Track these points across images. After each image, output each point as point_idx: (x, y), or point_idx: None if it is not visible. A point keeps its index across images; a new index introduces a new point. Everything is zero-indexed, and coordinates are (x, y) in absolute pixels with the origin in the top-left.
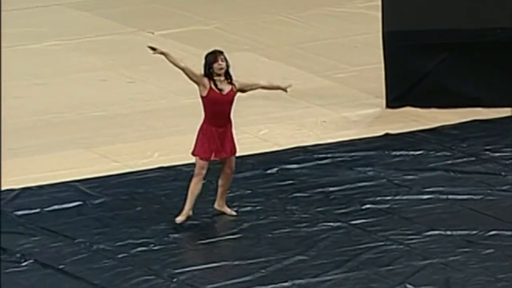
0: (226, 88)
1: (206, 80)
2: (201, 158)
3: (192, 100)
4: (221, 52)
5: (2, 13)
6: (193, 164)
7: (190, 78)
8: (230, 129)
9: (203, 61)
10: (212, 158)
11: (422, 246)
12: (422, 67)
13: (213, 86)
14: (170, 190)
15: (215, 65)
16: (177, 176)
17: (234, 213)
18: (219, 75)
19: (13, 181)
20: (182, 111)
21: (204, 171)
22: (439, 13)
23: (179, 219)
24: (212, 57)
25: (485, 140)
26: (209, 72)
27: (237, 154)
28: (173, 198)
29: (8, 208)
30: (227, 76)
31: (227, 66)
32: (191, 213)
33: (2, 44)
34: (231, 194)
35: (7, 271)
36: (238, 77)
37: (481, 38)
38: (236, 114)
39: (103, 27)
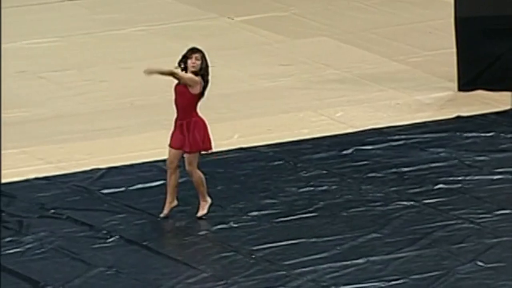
0: None
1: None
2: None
3: (272, 83)
4: (199, 51)
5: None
6: (271, 145)
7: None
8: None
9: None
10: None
11: (493, 224)
12: (493, 51)
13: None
14: (249, 170)
15: (189, 61)
16: (256, 156)
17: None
18: (192, 71)
19: (99, 161)
20: (262, 94)
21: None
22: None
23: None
24: (189, 53)
25: None
26: (184, 65)
27: (314, 136)
28: (252, 178)
29: (94, 186)
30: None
31: (201, 67)
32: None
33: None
34: (307, 174)
35: (94, 246)
36: (315, 62)
37: None
38: (313, 97)
39: (186, 13)
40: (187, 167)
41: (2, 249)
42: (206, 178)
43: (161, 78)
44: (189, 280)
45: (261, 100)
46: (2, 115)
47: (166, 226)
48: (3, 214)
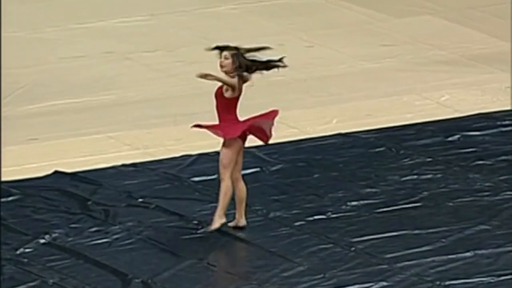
0: None
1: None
2: None
3: (373, 65)
4: (227, 48)
5: None
6: (372, 130)
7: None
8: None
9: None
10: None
11: None
12: None
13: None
14: (348, 157)
15: (218, 62)
16: (356, 142)
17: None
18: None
19: (189, 147)
20: (362, 76)
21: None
22: None
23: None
24: (219, 52)
25: None
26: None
27: (418, 120)
28: (351, 165)
29: (184, 174)
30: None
31: (236, 66)
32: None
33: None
34: (410, 162)
35: (184, 237)
36: (419, 42)
37: None
38: (417, 79)
39: None
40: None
41: (88, 240)
42: (302, 166)
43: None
44: (285, 274)
45: (361, 83)
46: (88, 98)
47: (260, 216)
48: (88, 203)
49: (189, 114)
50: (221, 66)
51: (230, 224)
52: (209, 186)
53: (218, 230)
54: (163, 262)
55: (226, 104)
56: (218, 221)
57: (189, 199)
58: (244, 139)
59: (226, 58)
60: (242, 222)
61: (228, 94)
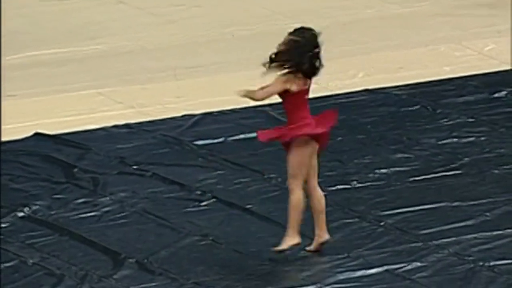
0: None
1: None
2: None
3: (405, 9)
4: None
5: None
6: (404, 86)
7: None
8: None
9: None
10: None
11: None
12: None
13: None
14: (376, 117)
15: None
16: (385, 100)
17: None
18: None
19: (191, 105)
20: (393, 23)
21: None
22: None
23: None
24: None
25: None
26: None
27: (458, 74)
28: (380, 127)
29: (186, 137)
30: None
31: (282, 56)
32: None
33: None
34: (449, 122)
35: (185, 210)
36: None
37: None
38: (456, 26)
39: None
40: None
41: (74, 213)
42: None
43: (266, 4)
44: (302, 252)
45: (392, 30)
46: (73, 48)
47: (274, 186)
48: (74, 170)
49: (191, 67)
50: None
51: (308, 248)
52: (215, 151)
53: (285, 250)
54: (161, 239)
55: (291, 99)
56: (287, 241)
57: (191, 166)
58: (319, 139)
59: (279, 45)
60: (325, 237)
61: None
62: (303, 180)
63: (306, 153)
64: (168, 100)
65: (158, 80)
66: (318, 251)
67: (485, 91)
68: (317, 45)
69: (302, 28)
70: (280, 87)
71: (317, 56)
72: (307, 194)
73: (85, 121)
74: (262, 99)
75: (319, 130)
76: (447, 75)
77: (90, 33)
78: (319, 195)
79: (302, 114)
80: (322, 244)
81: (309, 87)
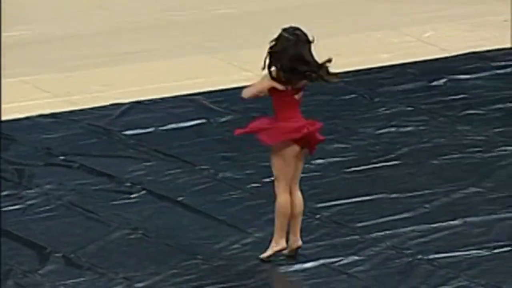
0: None
1: None
2: None
3: None
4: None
5: None
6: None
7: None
8: None
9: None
10: None
11: None
12: None
13: None
14: (311, 105)
15: None
16: (321, 88)
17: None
18: None
19: (121, 94)
20: (327, 8)
21: None
22: None
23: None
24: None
25: None
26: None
27: (396, 62)
28: (315, 116)
29: (114, 126)
30: None
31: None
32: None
33: None
34: (387, 111)
35: (114, 202)
36: None
37: None
38: (395, 12)
39: None
40: None
41: None
42: (257, 117)
43: None
44: (236, 246)
45: (328, 17)
46: None
47: (206, 178)
48: None
49: (120, 54)
50: None
51: (284, 251)
52: (144, 141)
53: (270, 256)
54: (89, 233)
55: (278, 97)
56: (273, 247)
57: (120, 157)
58: (302, 144)
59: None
60: (297, 242)
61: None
62: (288, 183)
63: (287, 156)
64: (96, 88)
65: (85, 68)
66: (292, 257)
67: (424, 79)
68: (299, 50)
69: (295, 29)
70: (266, 85)
71: (301, 60)
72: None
73: (10, 110)
74: (248, 97)
75: (296, 135)
76: (385, 63)
77: (16, 18)
78: (297, 199)
79: (289, 114)
80: (297, 249)
81: (300, 87)
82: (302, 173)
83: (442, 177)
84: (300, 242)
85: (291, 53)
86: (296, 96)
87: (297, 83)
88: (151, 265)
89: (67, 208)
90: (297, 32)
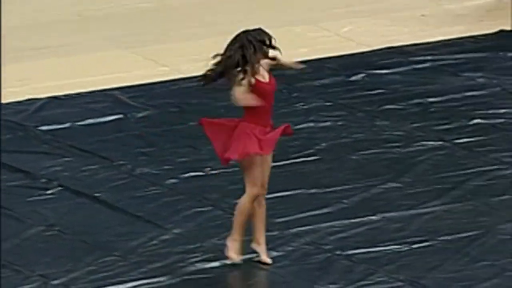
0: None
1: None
2: None
3: None
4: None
5: None
6: None
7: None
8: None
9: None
10: None
11: None
12: None
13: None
14: (229, 101)
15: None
16: None
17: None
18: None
19: (37, 89)
20: (247, 3)
21: None
22: None
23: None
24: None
25: None
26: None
27: (315, 57)
28: (234, 111)
29: (30, 122)
30: None
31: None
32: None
33: None
34: (305, 106)
35: (29, 199)
36: None
37: None
38: (313, 7)
39: None
40: None
41: None
42: (174, 112)
43: None
44: (154, 242)
45: (244, 10)
46: None
47: (123, 174)
48: None
49: (35, 49)
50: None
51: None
52: (60, 137)
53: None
54: (4, 230)
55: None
56: (263, 253)
57: (35, 153)
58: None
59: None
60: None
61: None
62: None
63: (253, 163)
64: (11, 83)
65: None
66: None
67: (342, 74)
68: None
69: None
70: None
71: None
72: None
73: None
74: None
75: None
76: (304, 57)
77: None
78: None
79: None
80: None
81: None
82: (221, 169)
83: (361, 172)
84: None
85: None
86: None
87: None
88: (68, 262)
89: None
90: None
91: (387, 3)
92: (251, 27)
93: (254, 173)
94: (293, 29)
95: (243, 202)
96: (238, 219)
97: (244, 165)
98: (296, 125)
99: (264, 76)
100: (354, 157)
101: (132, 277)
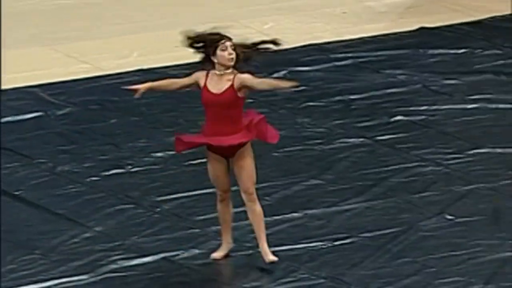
0: (224, 85)
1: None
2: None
3: None
4: (230, 38)
5: None
6: (180, 65)
7: (186, 87)
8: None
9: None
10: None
11: (465, 167)
12: None
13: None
14: (151, 98)
15: (224, 54)
16: None
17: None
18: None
19: None
20: (170, 0)
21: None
22: None
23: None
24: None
25: None
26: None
27: None
28: (155, 109)
29: None
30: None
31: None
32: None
33: None
34: None
35: None
36: None
37: None
38: (235, 3)
39: None
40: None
41: None
42: (95, 109)
43: None
44: (75, 240)
45: (167, 8)
46: None
47: (44, 171)
48: None
49: None
50: (230, 59)
51: (217, 254)
52: None
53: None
54: None
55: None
56: (268, 254)
57: None
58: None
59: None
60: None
61: None
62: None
63: (211, 165)
64: None
65: None
66: (227, 256)
67: (264, 71)
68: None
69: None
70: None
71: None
72: (228, 202)
73: None
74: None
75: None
76: None
77: None
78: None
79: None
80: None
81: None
82: (142, 166)
83: (283, 169)
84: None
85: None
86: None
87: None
88: None
89: None
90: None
91: (309, 0)
92: (174, 24)
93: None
94: (216, 25)
95: None
96: None
97: None
98: None
99: (217, 85)
100: (275, 154)
101: (53, 275)
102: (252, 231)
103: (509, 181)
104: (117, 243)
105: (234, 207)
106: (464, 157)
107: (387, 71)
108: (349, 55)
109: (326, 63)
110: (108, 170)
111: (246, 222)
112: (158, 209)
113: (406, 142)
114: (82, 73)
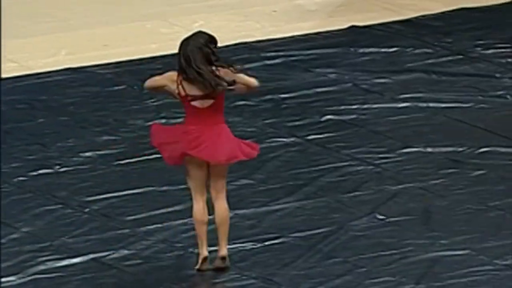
0: None
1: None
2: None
3: None
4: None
5: None
6: (109, 64)
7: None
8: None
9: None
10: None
11: (396, 167)
12: None
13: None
14: (79, 97)
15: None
16: (89, 80)
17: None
18: None
19: None
20: None
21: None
22: None
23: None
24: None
25: (474, 33)
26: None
27: (166, 52)
28: (84, 108)
29: None
30: None
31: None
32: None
33: None
34: (156, 103)
35: None
36: None
37: None
38: (164, 2)
39: None
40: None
41: None
42: (22, 109)
43: None
44: (2, 241)
45: (96, 6)
46: None
47: None
48: None
49: None
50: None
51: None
52: None
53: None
54: None
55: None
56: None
57: None
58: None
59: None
60: (220, 252)
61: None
62: (198, 192)
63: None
64: None
65: None
66: (221, 268)
67: None
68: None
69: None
70: (161, 82)
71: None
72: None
73: None
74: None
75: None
76: (154, 53)
77: None
78: (219, 209)
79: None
80: (222, 259)
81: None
82: (71, 166)
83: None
84: (222, 252)
85: (182, 53)
86: (195, 103)
87: (192, 89)
88: None
89: None
90: (196, 36)
91: None
92: (103, 22)
93: None
94: (143, 24)
95: None
96: None
97: None
98: (147, 121)
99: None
100: None
101: None
102: (183, 232)
103: (439, 181)
104: (45, 244)
105: (165, 207)
106: (395, 156)
107: (318, 70)
108: (280, 54)
109: (256, 62)
110: (36, 170)
111: (178, 222)
112: (87, 209)
113: (337, 141)
114: (9, 72)
